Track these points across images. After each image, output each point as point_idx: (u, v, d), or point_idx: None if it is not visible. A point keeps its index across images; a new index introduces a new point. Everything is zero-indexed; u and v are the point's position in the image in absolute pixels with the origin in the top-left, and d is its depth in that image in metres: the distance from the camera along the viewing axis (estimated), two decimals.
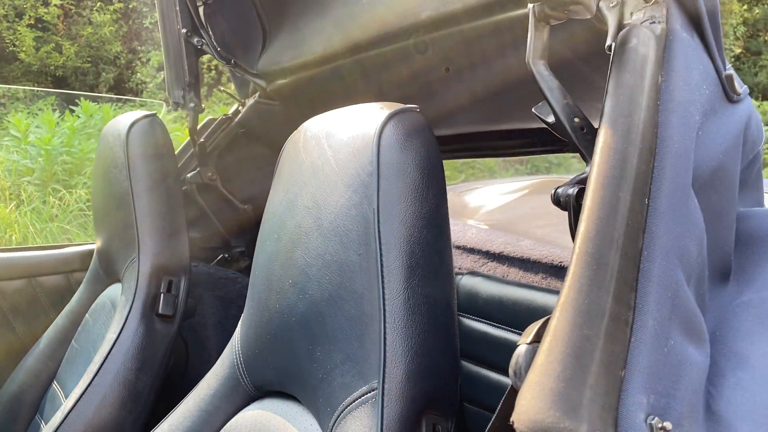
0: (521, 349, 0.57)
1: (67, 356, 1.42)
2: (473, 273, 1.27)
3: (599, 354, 0.42)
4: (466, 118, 1.24)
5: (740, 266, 0.60)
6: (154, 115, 1.30)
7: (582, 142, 0.57)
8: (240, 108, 1.49)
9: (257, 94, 1.42)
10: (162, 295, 1.22)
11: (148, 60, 9.76)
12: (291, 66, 1.25)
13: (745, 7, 10.37)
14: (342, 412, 0.65)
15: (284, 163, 0.81)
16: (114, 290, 1.36)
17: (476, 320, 1.20)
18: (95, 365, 1.17)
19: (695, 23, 0.56)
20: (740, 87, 0.60)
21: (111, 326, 1.23)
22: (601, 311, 0.43)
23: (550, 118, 0.58)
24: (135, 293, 1.20)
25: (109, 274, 1.42)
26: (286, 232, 0.75)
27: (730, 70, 0.59)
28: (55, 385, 1.40)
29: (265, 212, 0.83)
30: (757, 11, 10.29)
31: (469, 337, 1.21)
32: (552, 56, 0.61)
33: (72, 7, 9.53)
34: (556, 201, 0.56)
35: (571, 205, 0.56)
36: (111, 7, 9.66)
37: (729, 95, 0.58)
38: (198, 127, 1.48)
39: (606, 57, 0.56)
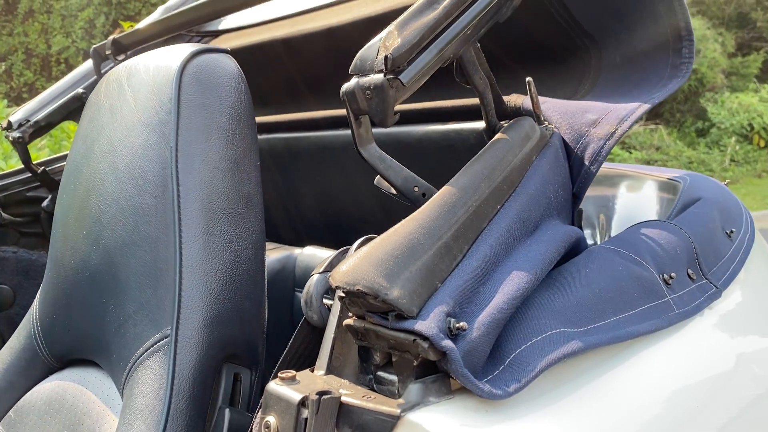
0: (313, 279, 0.56)
1: None
2: (312, 247, 1.25)
3: (426, 259, 0.47)
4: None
5: None
6: None
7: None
8: None
9: None
10: None
11: None
12: None
13: None
14: (134, 364, 0.60)
15: (85, 112, 0.75)
16: None
17: None
18: None
19: (569, 155, 0.63)
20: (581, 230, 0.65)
21: None
22: (439, 235, 0.49)
23: (393, 190, 0.61)
24: None
25: None
26: (81, 180, 0.69)
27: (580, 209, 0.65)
28: None
29: (65, 166, 0.76)
30: None
31: None
32: None
33: None
34: None
35: None
36: None
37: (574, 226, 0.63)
38: None
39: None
